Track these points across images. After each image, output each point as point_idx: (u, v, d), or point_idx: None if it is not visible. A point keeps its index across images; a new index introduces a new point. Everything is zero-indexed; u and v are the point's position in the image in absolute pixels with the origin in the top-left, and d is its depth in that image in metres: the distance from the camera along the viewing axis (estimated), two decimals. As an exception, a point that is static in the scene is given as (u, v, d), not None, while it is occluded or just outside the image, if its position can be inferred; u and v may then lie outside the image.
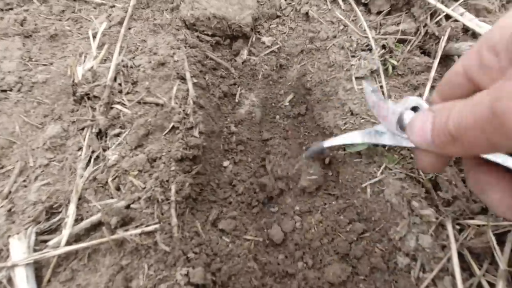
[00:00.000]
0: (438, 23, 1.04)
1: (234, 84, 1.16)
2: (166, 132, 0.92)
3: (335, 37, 1.13)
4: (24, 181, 0.85)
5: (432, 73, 1.00)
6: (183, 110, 0.93)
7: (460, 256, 0.79)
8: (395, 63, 1.03)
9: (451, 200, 0.83)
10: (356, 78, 1.04)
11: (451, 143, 0.39)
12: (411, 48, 1.05)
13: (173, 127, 0.92)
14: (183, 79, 0.99)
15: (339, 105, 1.05)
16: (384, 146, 0.93)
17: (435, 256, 0.79)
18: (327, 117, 1.07)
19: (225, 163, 1.05)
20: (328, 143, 0.83)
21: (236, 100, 1.15)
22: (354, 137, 0.74)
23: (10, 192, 0.84)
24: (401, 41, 1.07)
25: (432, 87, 0.99)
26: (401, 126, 0.57)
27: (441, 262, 0.78)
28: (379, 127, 0.65)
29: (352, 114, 1.01)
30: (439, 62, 1.03)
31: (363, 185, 0.94)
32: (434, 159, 0.51)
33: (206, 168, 0.99)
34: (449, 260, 0.78)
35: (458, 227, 0.82)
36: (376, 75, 1.05)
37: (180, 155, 0.88)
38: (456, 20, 1.02)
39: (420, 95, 0.99)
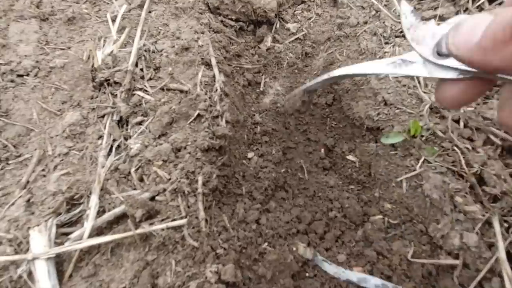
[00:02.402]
0: (480, 7, 0.97)
1: (259, 72, 1.10)
2: (191, 120, 0.86)
3: (366, 22, 1.07)
4: (43, 170, 0.81)
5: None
6: (209, 98, 0.88)
7: (509, 255, 0.74)
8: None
9: (498, 196, 0.77)
10: (390, 65, 0.97)
11: (504, 44, 0.32)
12: (449, 35, 0.98)
13: (198, 115, 0.87)
14: (208, 65, 0.94)
15: (371, 94, 0.99)
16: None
17: (482, 256, 0.74)
18: (357, 108, 1.01)
19: (250, 155, 1.00)
20: (340, 71, 0.67)
21: (261, 89, 1.09)
22: (374, 67, 0.59)
23: (28, 181, 0.79)
24: (439, 27, 1.00)
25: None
26: (438, 50, 0.46)
27: (488, 262, 0.73)
28: (407, 56, 0.52)
29: (386, 104, 0.96)
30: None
31: (399, 179, 0.89)
32: (459, 88, 0.43)
33: (231, 160, 0.94)
34: (497, 260, 0.73)
35: (506, 224, 0.76)
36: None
37: (207, 145, 0.82)
38: (501, 3, 0.95)
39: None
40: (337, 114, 1.10)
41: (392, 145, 0.92)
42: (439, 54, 0.46)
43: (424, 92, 0.92)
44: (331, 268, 0.78)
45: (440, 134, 0.84)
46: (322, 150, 1.07)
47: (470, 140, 0.85)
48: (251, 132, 1.04)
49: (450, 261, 0.75)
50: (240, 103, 1.04)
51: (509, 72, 0.38)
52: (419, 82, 0.95)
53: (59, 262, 0.73)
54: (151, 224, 0.73)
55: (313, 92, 0.83)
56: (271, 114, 1.08)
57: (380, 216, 0.87)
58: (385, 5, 1.08)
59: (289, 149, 1.08)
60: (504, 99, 0.42)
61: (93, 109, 0.88)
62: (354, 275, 0.75)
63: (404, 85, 0.94)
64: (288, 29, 1.17)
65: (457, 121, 0.87)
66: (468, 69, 0.40)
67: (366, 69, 0.61)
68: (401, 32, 1.01)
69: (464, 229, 0.76)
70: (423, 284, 0.75)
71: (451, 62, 0.43)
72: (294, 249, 0.81)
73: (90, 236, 0.73)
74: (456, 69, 0.42)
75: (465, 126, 0.86)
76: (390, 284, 0.71)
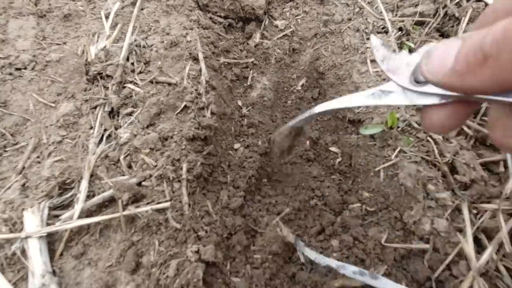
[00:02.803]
0: (458, 4, 1.00)
1: (247, 67, 1.15)
2: (178, 111, 0.91)
3: (350, 19, 1.11)
4: (38, 157, 0.86)
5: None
6: (196, 90, 0.92)
7: (476, 240, 0.77)
8: (412, 45, 1.00)
9: (468, 184, 0.81)
10: (371, 61, 1.01)
11: (479, 66, 0.33)
12: (429, 31, 1.02)
13: (185, 106, 0.92)
14: (195, 59, 0.98)
15: (353, 88, 1.03)
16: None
17: (450, 241, 0.77)
18: (340, 101, 1.05)
19: (236, 146, 1.04)
20: (321, 107, 0.73)
21: (248, 83, 1.14)
22: (354, 100, 0.58)
23: (24, 167, 0.84)
24: (419, 23, 1.04)
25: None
26: (415, 78, 0.46)
27: (457, 246, 0.76)
28: (385, 86, 0.51)
29: (366, 97, 0.99)
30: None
31: (377, 169, 0.92)
32: (444, 113, 0.42)
33: (217, 150, 0.98)
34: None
35: (474, 211, 0.80)
36: (392, 58, 1.02)
37: (192, 135, 0.87)
38: (478, 0, 0.98)
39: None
40: (322, 107, 1.14)
41: (372, 136, 0.95)
42: (417, 82, 0.47)
43: (403, 86, 0.96)
44: (311, 254, 0.82)
45: (416, 125, 0.88)
46: (308, 142, 1.11)
47: (445, 131, 0.89)
48: (238, 124, 1.08)
49: (421, 245, 0.79)
50: (228, 97, 1.09)
51: (489, 92, 0.38)
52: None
53: (51, 242, 0.78)
54: (137, 207, 0.78)
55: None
56: (258, 107, 1.13)
57: (359, 204, 0.91)
58: (368, 3, 1.11)
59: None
60: (493, 120, 0.41)
61: (86, 100, 0.93)
62: (333, 262, 0.78)
63: (384, 79, 0.98)
64: (277, 26, 1.21)
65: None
66: (449, 93, 0.41)
67: (347, 103, 0.62)
68: (383, 28, 1.05)
69: (435, 215, 0.80)
70: (395, 267, 0.79)
71: (430, 88, 0.43)
72: (279, 230, 0.85)
73: (80, 217, 0.77)
74: (436, 94, 0.42)
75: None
76: (367, 270, 0.75)
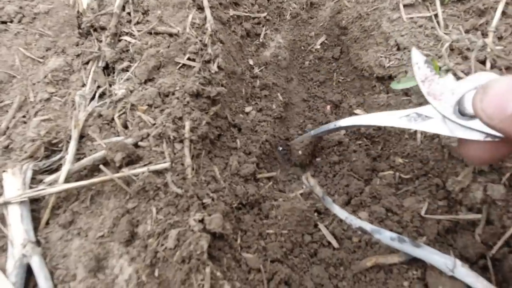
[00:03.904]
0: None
1: (259, 23, 1.02)
2: (180, 65, 0.79)
3: (377, -37, 0.96)
4: (24, 116, 0.76)
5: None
6: (200, 41, 0.80)
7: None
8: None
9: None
10: (405, 6, 0.86)
11: None
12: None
13: (188, 59, 0.80)
14: (200, 8, 0.86)
15: (382, 40, 0.88)
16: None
17: (510, 210, 0.63)
18: (366, 57, 0.91)
19: (247, 109, 0.92)
20: (347, 121, 0.65)
21: (261, 41, 1.00)
22: (385, 119, 0.56)
23: (8, 127, 0.75)
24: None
25: (504, 13, 0.80)
26: (461, 110, 0.43)
27: (517, 216, 0.62)
28: (423, 110, 0.49)
29: (398, 49, 0.85)
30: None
31: (412, 130, 0.78)
32: (486, 149, 0.40)
33: (225, 112, 0.86)
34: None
35: (539, 175, 0.65)
36: (429, 2, 0.87)
37: (196, 89, 0.75)
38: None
39: (487, 23, 0.81)
40: (345, 67, 1.00)
41: (406, 93, 0.81)
42: (462, 114, 0.43)
43: (445, 33, 0.81)
44: (342, 213, 0.69)
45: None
46: (328, 107, 0.98)
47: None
48: (250, 86, 0.95)
49: (470, 216, 0.65)
50: (238, 55, 0.96)
51: None
52: (438, 22, 0.84)
53: (36, 210, 0.68)
54: (133, 169, 0.67)
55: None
56: (272, 67, 0.99)
57: (391, 172, 0.78)
58: None
59: (291, 105, 0.99)
60: None
61: (78, 55, 0.83)
62: (367, 224, 0.65)
63: (420, 26, 0.83)
64: (292, -23, 1.07)
65: (483, 62, 0.75)
66: (498, 134, 0.38)
67: (375, 121, 0.57)
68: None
69: (488, 180, 0.66)
70: (439, 243, 0.66)
71: (477, 124, 0.40)
72: (305, 179, 0.74)
73: (68, 182, 0.67)
74: (483, 132, 0.40)
75: (492, 66, 0.74)
76: (407, 237, 0.62)
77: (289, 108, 0.98)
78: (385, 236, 0.61)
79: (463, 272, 0.57)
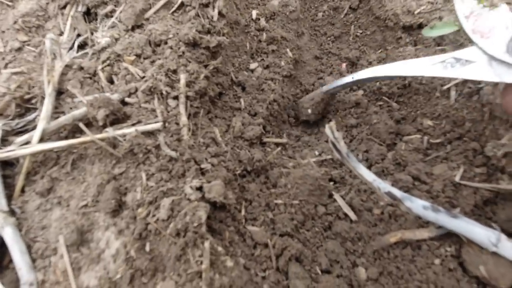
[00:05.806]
0: None
1: (265, -33, 0.88)
2: (173, 9, 0.67)
3: None
4: (-8, 69, 0.65)
5: None
6: (196, -21, 0.67)
7: None
8: None
9: None
10: None
11: None
12: None
13: (182, 3, 0.67)
14: None
15: (412, -18, 0.75)
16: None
17: None
18: (391, 3, 0.78)
19: (253, 66, 0.80)
20: (367, 73, 0.60)
21: (267, -13, 0.87)
22: (414, 68, 0.50)
23: (-26, 82, 0.64)
24: None
25: None
26: None
27: None
28: (464, 53, 0.43)
29: (432, -9, 0.72)
30: None
31: (445, 87, 0.67)
32: None
33: (227, 67, 0.75)
34: None
35: None
36: None
37: (192, 37, 0.63)
38: None
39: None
40: (364, 18, 0.87)
41: (439, 43, 0.69)
42: None
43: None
44: (369, 175, 0.58)
45: None
46: (344, 65, 0.86)
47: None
48: (255, 40, 0.83)
49: (515, 185, 0.55)
50: (241, 3, 0.83)
51: None
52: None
53: (9, 176, 0.59)
54: (119, 129, 0.57)
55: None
56: (280, 19, 0.87)
57: (418, 135, 0.67)
58: None
59: (301, 63, 0.88)
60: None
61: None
62: (397, 190, 0.55)
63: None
64: None
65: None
66: None
67: (402, 70, 0.51)
68: None
69: (538, 142, 0.55)
70: (476, 215, 0.57)
71: None
72: (329, 131, 0.62)
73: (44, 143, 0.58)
74: None
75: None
76: (441, 207, 0.53)
77: (300, 66, 0.87)
78: (417, 204, 0.51)
79: (509, 247, 0.48)
